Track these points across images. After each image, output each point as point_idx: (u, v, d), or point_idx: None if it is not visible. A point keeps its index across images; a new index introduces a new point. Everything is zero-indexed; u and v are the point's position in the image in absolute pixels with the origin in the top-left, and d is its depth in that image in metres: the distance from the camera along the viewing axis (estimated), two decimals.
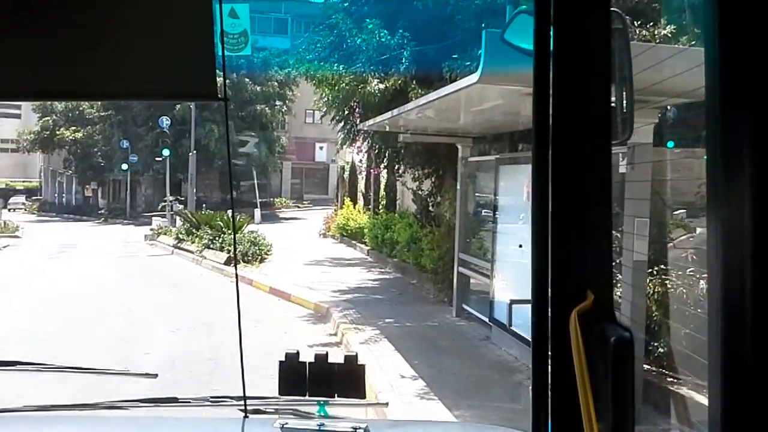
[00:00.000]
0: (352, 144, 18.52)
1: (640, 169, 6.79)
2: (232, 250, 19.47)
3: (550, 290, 1.19)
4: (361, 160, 25.04)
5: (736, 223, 1.02)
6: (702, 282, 6.54)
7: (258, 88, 38.76)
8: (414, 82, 13.31)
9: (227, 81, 29.91)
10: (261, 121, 39.54)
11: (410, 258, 16.79)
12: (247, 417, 2.19)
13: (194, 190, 32.74)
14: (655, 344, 7.33)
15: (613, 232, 6.14)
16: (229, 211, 26.41)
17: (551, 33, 1.17)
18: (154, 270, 20.39)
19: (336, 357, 2.16)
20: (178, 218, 28.76)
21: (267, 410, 2.22)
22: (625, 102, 1.27)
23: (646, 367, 7.15)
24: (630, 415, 1.13)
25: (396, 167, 17.82)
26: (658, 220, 7.71)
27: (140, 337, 11.30)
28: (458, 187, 12.60)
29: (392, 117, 11.33)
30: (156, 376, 2.74)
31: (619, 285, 7.02)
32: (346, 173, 28.82)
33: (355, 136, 17.26)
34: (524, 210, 9.25)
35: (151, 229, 29.11)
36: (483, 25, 10.78)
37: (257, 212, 33.43)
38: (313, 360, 2.13)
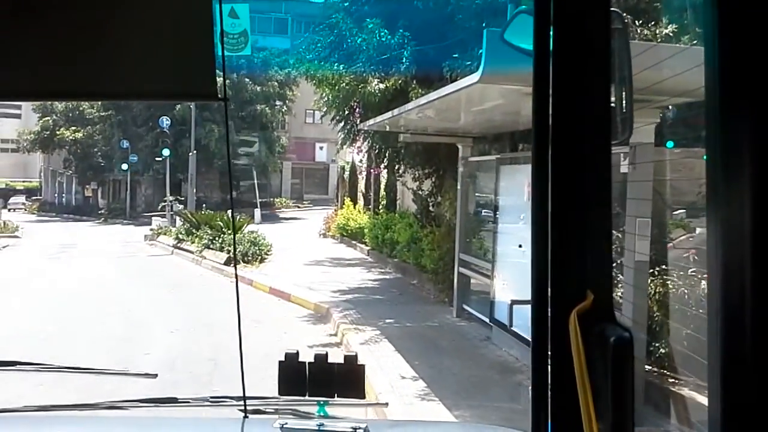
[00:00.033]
0: (352, 144, 18.52)
1: (642, 169, 6.77)
2: (232, 251, 19.48)
3: (549, 290, 1.19)
4: (361, 160, 25.03)
5: (736, 223, 1.02)
6: (703, 282, 6.54)
7: (258, 88, 38.78)
8: (414, 81, 13.30)
9: (227, 81, 29.93)
10: (261, 121, 39.57)
11: (410, 258, 16.79)
12: (247, 417, 2.19)
13: (194, 190, 32.75)
14: (657, 345, 7.32)
15: (615, 232, 6.12)
16: (229, 211, 26.42)
17: (551, 33, 1.17)
18: (153, 270, 20.39)
19: (336, 357, 2.16)
20: (178, 218, 28.77)
21: (267, 410, 2.22)
22: (624, 102, 1.27)
23: (647, 367, 7.15)
24: (630, 415, 1.13)
25: (396, 167, 17.82)
26: (659, 221, 7.70)
27: (140, 337, 11.30)
28: (459, 187, 12.60)
29: (392, 117, 11.33)
30: (156, 376, 2.74)
31: (620, 285, 7.01)
32: (347, 173, 28.82)
33: (355, 136, 17.26)
34: (525, 210, 9.24)
35: (151, 229, 29.11)
36: (484, 24, 10.78)
37: (257, 212, 33.44)
38: (312, 360, 2.13)
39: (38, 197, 51.53)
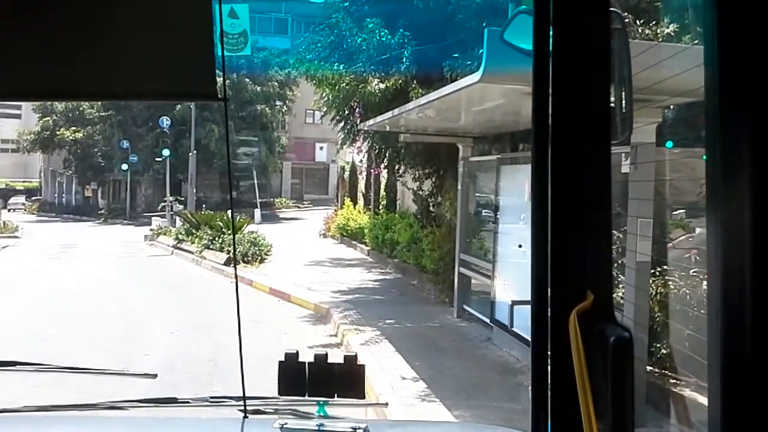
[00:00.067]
0: (352, 144, 18.53)
1: (643, 169, 6.75)
2: (232, 251, 19.47)
3: (549, 290, 1.19)
4: (361, 160, 25.04)
5: (736, 223, 1.02)
6: (705, 283, 6.50)
7: (258, 88, 38.79)
8: (414, 81, 13.31)
9: (227, 81, 29.95)
10: (261, 121, 39.58)
11: (411, 258, 16.79)
12: (247, 417, 2.19)
13: (194, 191, 32.76)
14: (658, 345, 7.31)
15: (616, 232, 6.11)
16: (229, 212, 26.42)
17: (551, 33, 1.17)
18: (153, 270, 20.39)
19: (336, 357, 2.16)
20: (177, 218, 28.78)
21: (266, 410, 2.22)
22: (624, 102, 1.27)
23: (649, 368, 7.14)
24: (630, 415, 1.13)
25: (396, 167, 17.82)
26: (661, 221, 7.68)
27: (140, 337, 11.30)
28: (459, 187, 12.59)
29: (393, 117, 11.33)
30: (155, 376, 2.74)
31: (621, 286, 6.99)
32: (347, 173, 28.82)
33: (355, 136, 17.26)
34: (525, 210, 9.23)
35: (151, 230, 29.12)
36: (484, 24, 10.77)
37: (257, 212, 33.44)
38: (312, 360, 2.13)
39: (38, 197, 51.57)
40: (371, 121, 13.05)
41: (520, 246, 9.33)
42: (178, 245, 24.44)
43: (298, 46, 16.86)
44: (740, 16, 1.02)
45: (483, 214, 11.94)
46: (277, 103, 41.01)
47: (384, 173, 22.23)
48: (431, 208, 16.61)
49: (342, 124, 16.98)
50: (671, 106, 7.55)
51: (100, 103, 32.84)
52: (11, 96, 1.87)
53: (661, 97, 6.25)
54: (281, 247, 22.21)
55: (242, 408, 2.18)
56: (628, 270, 6.98)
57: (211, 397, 2.39)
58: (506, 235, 10.11)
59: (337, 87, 14.58)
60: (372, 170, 23.79)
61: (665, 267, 7.54)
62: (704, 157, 1.08)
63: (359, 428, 2.08)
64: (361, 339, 10.92)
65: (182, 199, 33.55)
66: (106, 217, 41.15)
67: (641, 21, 8.86)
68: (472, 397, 8.13)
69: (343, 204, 27.40)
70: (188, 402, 2.34)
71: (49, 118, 42.84)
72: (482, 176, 11.97)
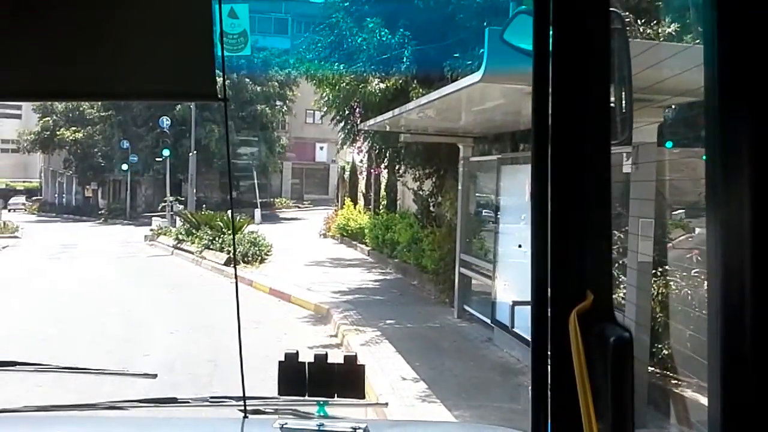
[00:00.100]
0: (352, 144, 18.52)
1: (645, 169, 6.73)
2: (232, 251, 19.46)
3: (549, 290, 1.19)
4: (361, 160, 25.04)
5: (736, 223, 1.02)
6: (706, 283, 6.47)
7: (258, 89, 38.79)
8: (415, 81, 13.31)
9: (227, 81, 29.96)
10: (261, 121, 39.58)
11: (411, 259, 16.79)
12: (247, 417, 2.19)
13: (194, 191, 32.76)
14: (660, 346, 7.29)
15: (617, 232, 6.09)
16: (229, 212, 26.41)
17: (550, 33, 1.17)
18: (153, 270, 20.39)
19: (336, 358, 2.16)
20: (178, 218, 28.78)
21: (266, 410, 2.22)
22: (624, 102, 1.27)
23: (650, 369, 7.12)
24: (630, 415, 1.13)
25: (397, 167, 17.81)
26: (662, 221, 7.67)
27: (140, 338, 11.30)
28: (459, 187, 12.59)
29: (393, 117, 11.32)
30: (155, 376, 2.74)
31: (623, 287, 6.98)
32: (347, 173, 28.82)
33: (355, 136, 17.26)
34: (526, 210, 9.22)
35: (151, 230, 29.12)
36: (485, 23, 10.77)
37: (257, 212, 33.42)
38: (312, 360, 2.13)
39: (38, 197, 51.58)
40: (371, 121, 13.05)
41: (519, 246, 9.32)
42: (178, 245, 24.44)
43: (298, 46, 16.87)
44: (740, 16, 1.02)
45: (483, 214, 11.93)
46: (278, 103, 41.02)
47: (384, 173, 22.23)
48: (432, 208, 16.61)
49: (342, 124, 16.98)
50: (673, 106, 7.54)
51: (100, 103, 32.84)
52: (11, 96, 1.87)
53: (663, 97, 6.25)
54: (281, 247, 22.21)
55: (242, 408, 2.18)
56: (630, 270, 6.96)
57: (211, 397, 2.39)
58: (507, 235, 10.11)
59: (337, 87, 14.58)
60: (372, 170, 23.79)
61: (667, 267, 7.53)
62: (704, 157, 1.08)
63: (359, 428, 2.08)
64: (361, 339, 10.91)
65: (182, 199, 33.55)
66: (106, 217, 41.14)
67: (642, 21, 8.86)
68: (472, 398, 8.13)
69: (344, 204, 27.40)
70: (188, 402, 2.34)
71: (49, 118, 42.84)
72: (483, 176, 11.97)
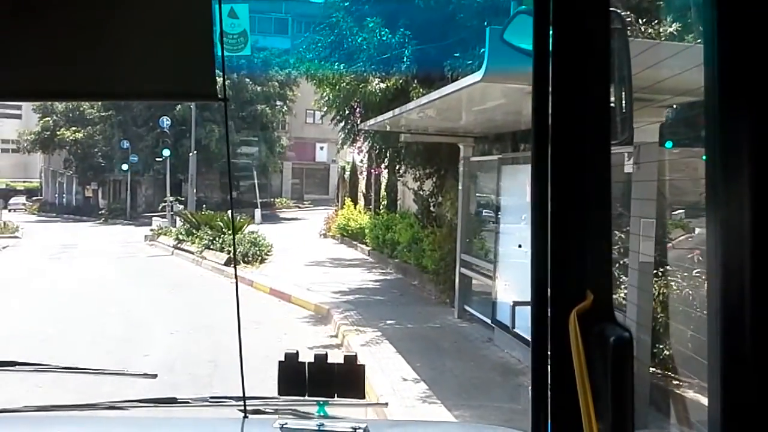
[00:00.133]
0: (352, 144, 18.52)
1: (646, 169, 6.71)
2: (232, 251, 19.46)
3: (549, 290, 1.19)
4: (361, 160, 25.04)
5: (736, 223, 1.02)
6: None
7: (258, 89, 38.82)
8: (415, 81, 13.30)
9: (227, 81, 29.96)
10: (261, 121, 39.62)
11: (411, 259, 16.78)
12: (247, 417, 2.19)
13: (194, 191, 32.76)
14: (661, 347, 7.28)
15: (618, 233, 6.07)
16: (230, 212, 26.41)
17: (550, 33, 1.17)
18: (154, 270, 20.40)
19: (336, 357, 2.16)
20: (178, 219, 28.79)
21: (266, 410, 2.22)
22: (624, 102, 1.27)
23: (652, 370, 7.11)
24: (630, 415, 1.13)
25: (397, 167, 17.80)
26: (664, 221, 7.65)
27: (140, 338, 11.30)
28: (460, 187, 12.59)
29: (393, 117, 11.32)
30: (155, 376, 2.74)
31: (624, 287, 6.97)
32: (347, 173, 28.82)
33: (355, 136, 17.26)
34: (527, 210, 9.21)
35: (152, 230, 29.13)
36: (485, 23, 10.77)
37: (257, 212, 33.45)
38: (312, 360, 2.13)
39: (38, 197, 51.60)
40: (372, 121, 13.05)
41: (519, 246, 9.32)
42: (179, 245, 24.45)
43: (299, 45, 16.86)
44: (740, 16, 1.02)
45: (484, 214, 11.93)
46: (278, 103, 41.06)
47: (384, 173, 22.23)
48: (432, 208, 16.61)
49: (342, 124, 16.98)
50: (675, 105, 7.52)
51: (100, 103, 32.85)
52: (11, 96, 1.87)
53: (664, 97, 6.24)
54: (281, 247, 22.21)
55: (242, 408, 2.18)
56: (631, 271, 6.94)
57: (211, 397, 2.39)
58: (507, 235, 10.10)
59: (337, 87, 14.58)
60: (372, 170, 23.80)
61: (668, 267, 7.51)
62: (704, 157, 1.08)
63: (359, 428, 2.08)
64: (361, 340, 10.91)
65: (182, 199, 33.57)
66: (106, 217, 41.15)
67: (644, 20, 8.85)
68: (473, 399, 8.12)
69: (344, 204, 27.40)
70: (188, 402, 2.34)
71: (49, 119, 42.85)
72: (483, 176, 11.96)
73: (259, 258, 20.49)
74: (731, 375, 1.03)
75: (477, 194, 12.30)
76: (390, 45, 13.42)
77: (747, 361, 1.01)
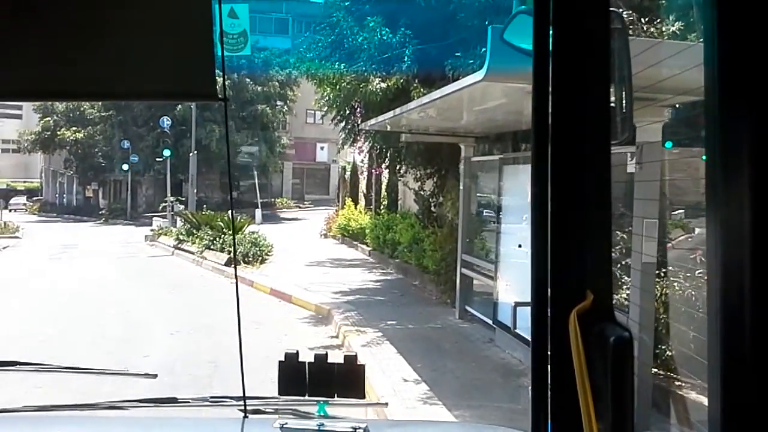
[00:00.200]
0: (353, 144, 18.52)
1: (649, 169, 6.69)
2: (233, 251, 19.45)
3: (549, 290, 1.19)
4: (362, 160, 25.04)
5: (736, 223, 1.02)
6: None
7: (259, 88, 38.83)
8: (416, 81, 13.29)
9: (228, 81, 29.97)
10: (262, 121, 39.62)
11: (412, 259, 16.78)
12: (247, 417, 2.19)
13: (195, 191, 32.76)
14: (664, 347, 7.27)
15: (621, 233, 6.05)
16: (230, 212, 26.40)
17: (550, 33, 1.17)
18: (154, 271, 20.40)
19: (336, 357, 2.16)
20: (178, 219, 28.78)
21: (267, 410, 2.22)
22: (624, 102, 1.27)
23: (654, 370, 7.10)
24: (630, 415, 1.13)
25: (398, 167, 17.80)
26: (665, 221, 7.63)
27: (140, 338, 11.29)
28: (461, 187, 12.58)
29: (394, 116, 11.31)
30: (155, 376, 2.74)
31: (626, 288, 6.95)
32: (348, 173, 28.82)
33: (356, 135, 17.26)
34: (528, 210, 9.16)
35: (152, 230, 29.13)
36: (486, 22, 10.76)
37: (258, 212, 33.44)
38: (312, 360, 2.13)
39: (39, 198, 51.63)
40: (372, 121, 13.04)
41: (519, 246, 9.31)
42: (179, 245, 24.44)
43: (299, 45, 16.88)
44: (740, 15, 1.01)
45: (485, 214, 11.93)
46: (278, 103, 41.07)
47: (385, 173, 22.22)
48: (433, 209, 16.60)
49: (343, 123, 16.98)
50: (677, 105, 7.50)
51: (100, 103, 32.86)
52: (11, 96, 1.87)
53: (666, 96, 6.22)
54: (282, 247, 22.20)
55: (242, 408, 2.18)
56: (633, 271, 6.92)
57: (211, 397, 2.39)
58: (508, 235, 10.09)
59: (338, 86, 14.58)
60: (373, 170, 23.80)
61: (670, 268, 7.49)
62: (704, 157, 1.08)
63: (359, 428, 2.08)
64: (362, 340, 10.90)
65: (183, 199, 33.57)
66: (106, 217, 41.16)
67: (646, 19, 8.83)
68: (474, 399, 8.11)
69: (344, 204, 27.39)
70: (188, 402, 2.34)
71: (49, 119, 42.86)
72: (484, 176, 11.96)
73: (260, 258, 20.48)
74: (731, 375, 1.03)
75: (478, 194, 12.30)
76: (391, 44, 13.42)
77: (747, 361, 1.01)
